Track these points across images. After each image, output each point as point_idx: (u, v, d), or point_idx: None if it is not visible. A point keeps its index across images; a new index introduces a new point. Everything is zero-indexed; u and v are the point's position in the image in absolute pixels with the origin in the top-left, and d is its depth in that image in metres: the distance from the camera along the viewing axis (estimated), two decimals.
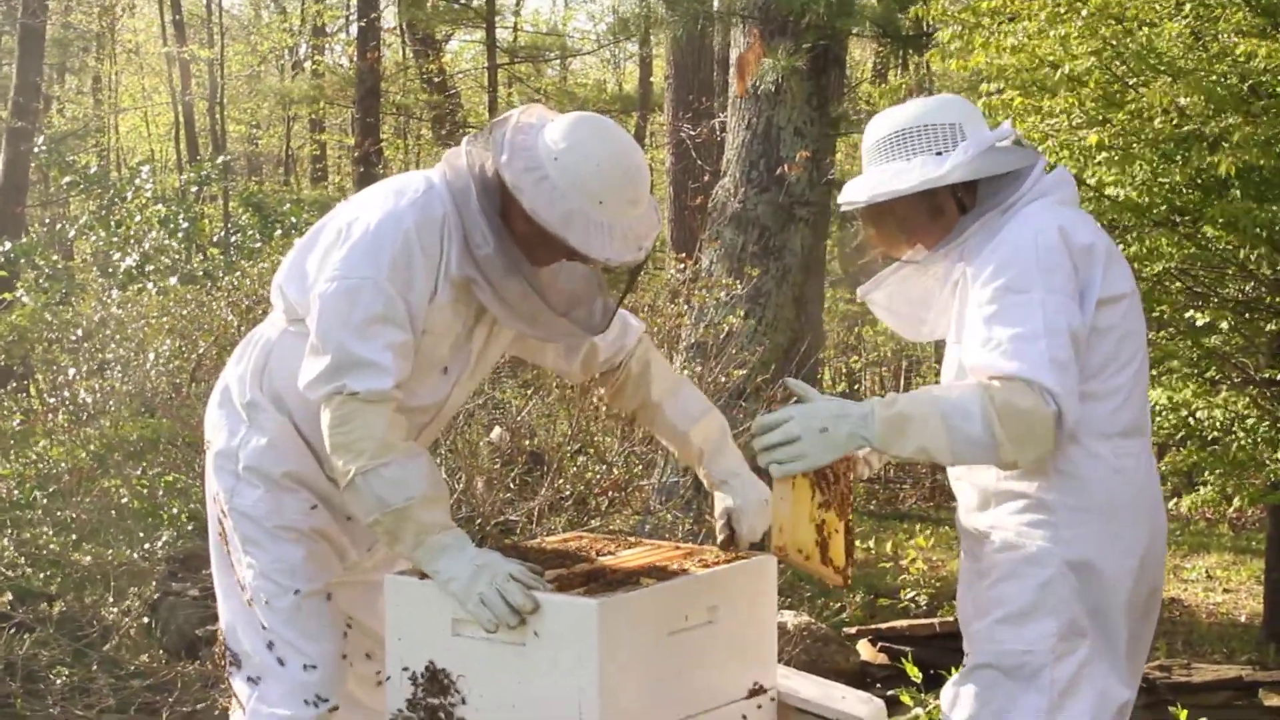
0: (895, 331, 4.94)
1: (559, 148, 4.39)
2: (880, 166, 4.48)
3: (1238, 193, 8.44)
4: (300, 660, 4.75)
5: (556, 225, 4.33)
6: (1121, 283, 4.33)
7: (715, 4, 13.21)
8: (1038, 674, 4.25)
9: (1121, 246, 8.96)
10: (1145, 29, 8.59)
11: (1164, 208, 8.89)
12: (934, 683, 7.05)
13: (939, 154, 4.40)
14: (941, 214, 4.45)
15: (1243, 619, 11.92)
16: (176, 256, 13.73)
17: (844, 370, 25.79)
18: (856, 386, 24.42)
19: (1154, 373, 9.62)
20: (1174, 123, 8.36)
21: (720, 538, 4.80)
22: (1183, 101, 8.24)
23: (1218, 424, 9.71)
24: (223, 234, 16.54)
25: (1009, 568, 4.28)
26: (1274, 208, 8.14)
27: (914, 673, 6.91)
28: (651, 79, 28.90)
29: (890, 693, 6.97)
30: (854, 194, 4.49)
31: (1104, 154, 8.63)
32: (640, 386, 5.03)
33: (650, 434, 5.11)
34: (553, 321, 4.59)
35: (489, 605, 4.17)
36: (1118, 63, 8.63)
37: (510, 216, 4.47)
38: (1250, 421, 9.55)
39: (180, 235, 14.40)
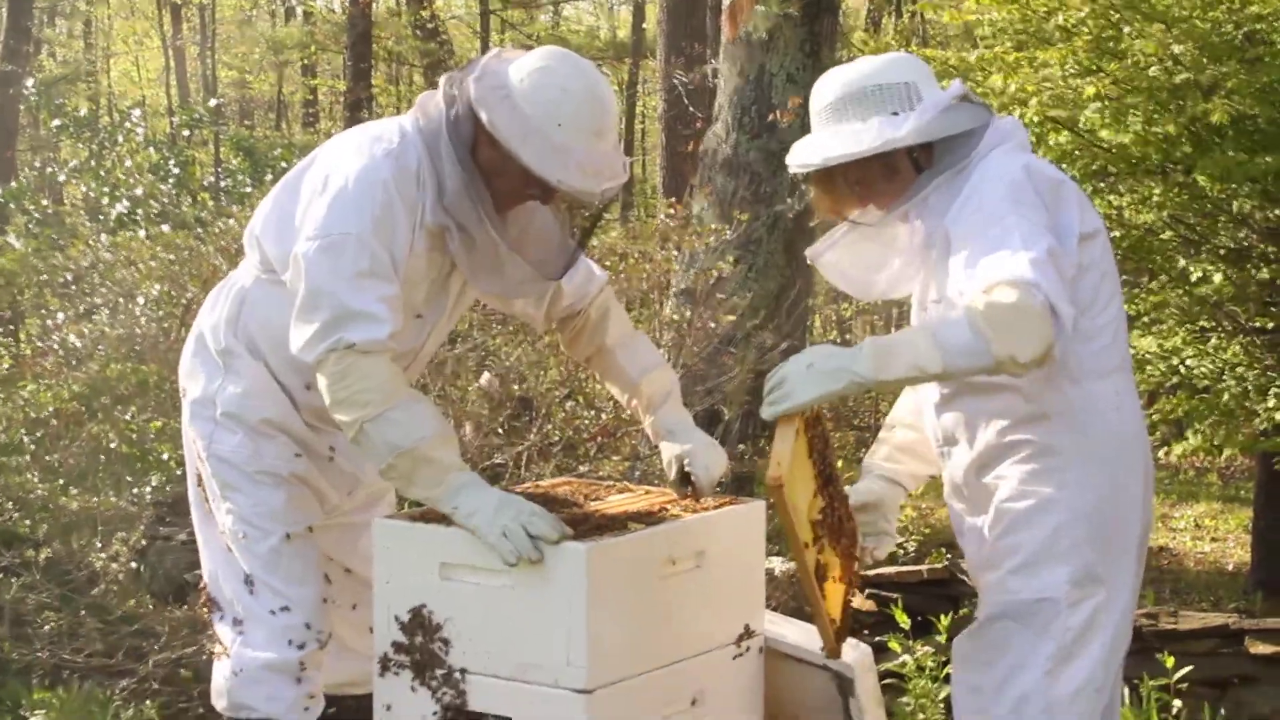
0: (845, 291, 4.90)
1: (527, 71, 4.41)
2: (834, 128, 4.43)
3: (1231, 144, 8.42)
4: (282, 602, 4.76)
5: (514, 141, 4.34)
6: (1094, 219, 4.34)
7: None
8: (1051, 622, 4.26)
9: (1113, 196, 8.97)
10: None
11: (1157, 157, 8.87)
12: (922, 629, 7.08)
13: (894, 114, 4.36)
14: (897, 174, 4.42)
15: (1230, 568, 11.95)
16: (166, 201, 13.67)
17: (834, 318, 25.75)
18: (848, 335, 24.38)
19: (1144, 321, 9.62)
20: (1168, 71, 8.33)
21: (671, 478, 4.79)
22: (1177, 50, 8.21)
23: (1208, 373, 9.71)
24: (213, 179, 16.49)
25: (1018, 517, 4.29)
26: (1267, 158, 8.11)
27: (902, 619, 6.92)
28: (644, 25, 28.82)
29: (878, 639, 6.97)
30: (806, 156, 4.46)
31: (1098, 104, 8.60)
32: (597, 333, 5.02)
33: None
34: (515, 268, 4.59)
35: (511, 537, 4.16)
36: (1111, 11, 8.60)
37: (478, 149, 4.48)
38: (1240, 370, 9.55)
39: (170, 180, 14.34)
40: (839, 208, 4.58)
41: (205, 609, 5.02)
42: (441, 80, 4.59)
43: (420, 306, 4.69)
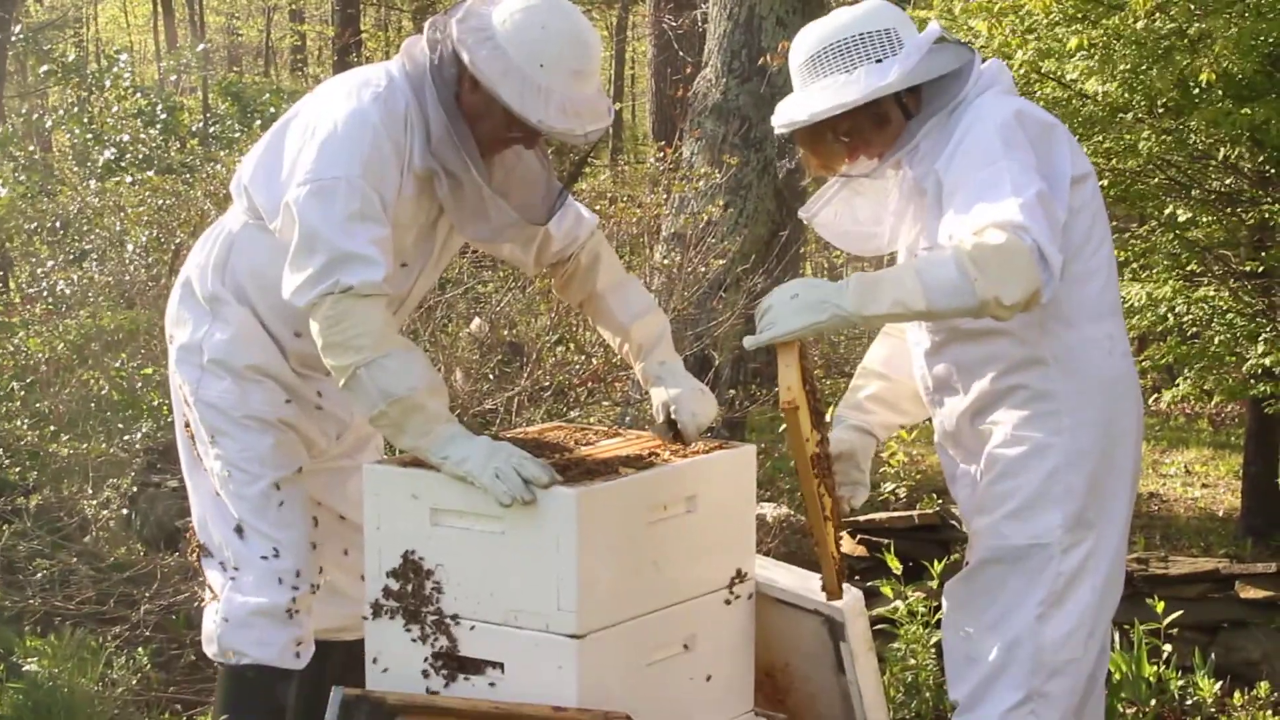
0: (844, 250, 4.88)
1: (510, 12, 4.41)
2: (819, 81, 4.38)
3: (1219, 95, 8.41)
4: (271, 546, 4.76)
5: (494, 80, 4.34)
6: (1084, 162, 4.35)
7: None
8: (1044, 567, 4.27)
9: (1101, 139, 8.95)
10: None
11: (1144, 104, 8.85)
12: (913, 575, 7.09)
13: (878, 61, 4.32)
14: (888, 122, 4.40)
15: (1220, 513, 11.98)
16: (154, 147, 13.64)
17: (825, 265, 25.76)
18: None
19: (1134, 267, 9.61)
20: (1156, 22, 8.30)
21: (658, 423, 4.77)
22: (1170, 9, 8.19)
23: (1197, 318, 9.71)
24: (201, 125, 16.44)
25: (1012, 462, 4.30)
26: (1255, 108, 8.10)
27: (894, 564, 6.94)
28: None
29: (870, 584, 6.99)
30: (793, 114, 4.42)
31: (1082, 53, 8.57)
32: (588, 278, 5.01)
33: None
34: (499, 212, 4.59)
35: (505, 479, 4.17)
36: None
37: (461, 93, 4.49)
38: (1230, 316, 9.56)
39: (158, 126, 14.31)
40: (830, 163, 4.55)
41: (195, 555, 5.02)
42: (426, 24, 4.58)
43: (408, 252, 4.69)
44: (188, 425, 4.92)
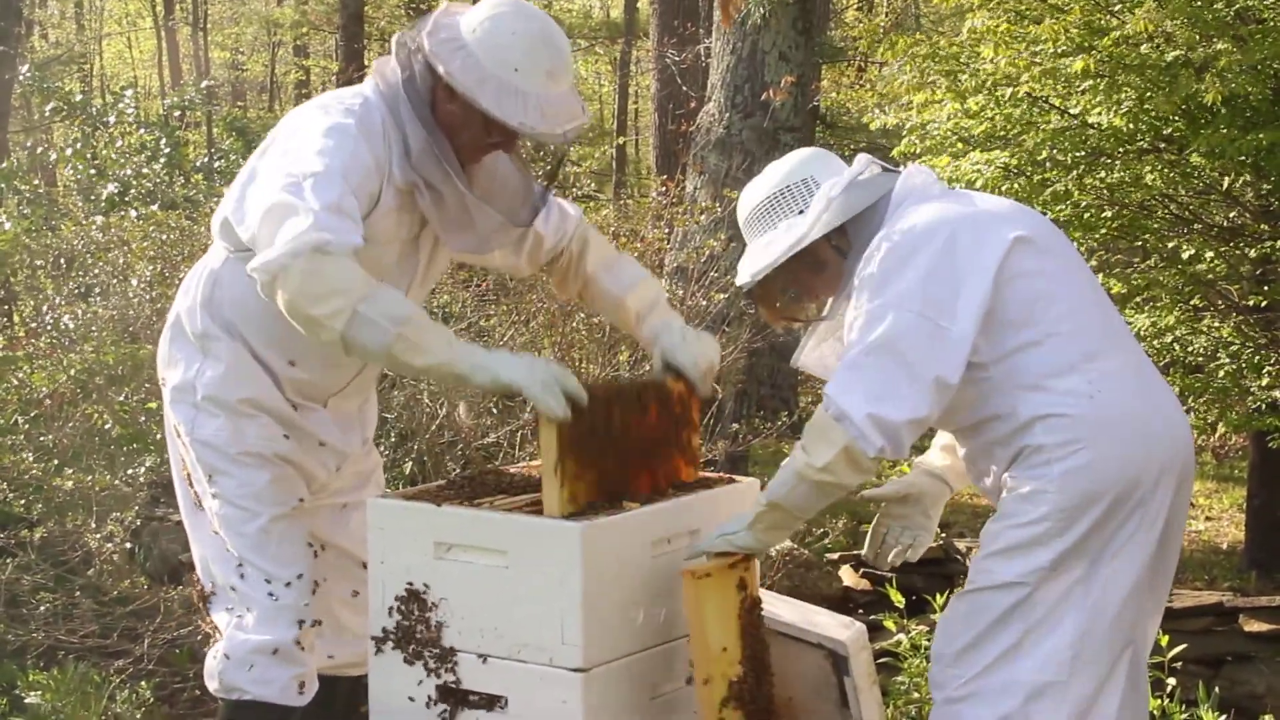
0: None
1: (478, 21, 4.47)
2: (755, 241, 4.60)
3: (1225, 120, 8.42)
4: (271, 583, 4.75)
5: (472, 88, 4.39)
6: (1025, 224, 4.45)
7: None
8: (1020, 603, 4.27)
9: (1104, 174, 8.96)
10: None
11: (1150, 135, 8.86)
12: (917, 609, 7.08)
13: (800, 213, 4.51)
14: (825, 267, 4.58)
15: (1224, 546, 11.94)
16: (159, 182, 13.66)
17: None
18: None
19: (1137, 300, 9.61)
20: (1159, 49, 8.33)
21: (658, 366, 4.82)
22: (1169, 26, 8.20)
23: (1201, 351, 9.71)
24: (206, 160, 16.46)
25: (1009, 507, 4.33)
26: (1260, 135, 8.11)
27: (897, 598, 6.93)
28: (637, 5, 28.76)
29: (873, 618, 6.98)
30: (740, 277, 4.63)
31: (1089, 81, 8.59)
32: (580, 264, 5.07)
33: (624, 336, 5.13)
34: (484, 218, 4.63)
35: (552, 391, 4.25)
36: None
37: (437, 105, 4.54)
38: (1234, 348, 9.55)
39: (163, 161, 14.34)
40: (787, 314, 4.80)
41: (200, 600, 5.02)
42: (394, 40, 4.62)
43: (390, 271, 4.67)
44: (185, 468, 4.92)
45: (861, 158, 4.60)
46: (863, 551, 5.00)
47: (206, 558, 4.92)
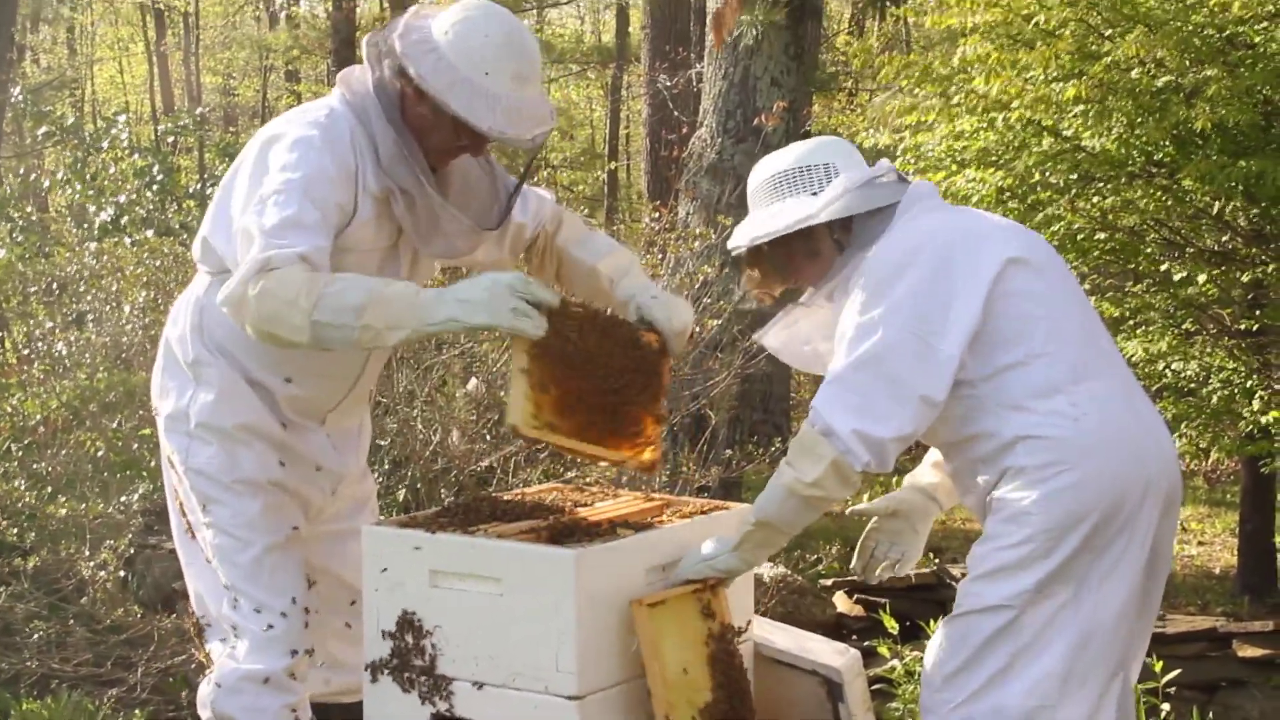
0: (793, 366, 5.05)
1: (450, 23, 4.48)
2: (760, 210, 4.61)
3: (1215, 147, 8.44)
4: (264, 614, 4.75)
5: (442, 90, 4.40)
6: (1016, 247, 4.44)
7: None
8: (1007, 627, 4.28)
9: (1096, 198, 8.98)
10: None
11: (1141, 161, 8.88)
12: (910, 634, 7.08)
13: (813, 194, 4.52)
14: (818, 255, 4.58)
15: (1217, 571, 11.95)
16: (152, 208, 13.67)
17: None
18: None
19: (1129, 325, 9.62)
20: (1150, 74, 8.35)
21: (634, 319, 4.78)
22: (1160, 53, 8.23)
23: (1193, 375, 9.72)
24: (198, 186, 16.48)
25: (994, 529, 4.34)
26: (1250, 161, 8.13)
27: (891, 624, 6.93)
28: (629, 30, 28.81)
29: (867, 644, 6.98)
30: (735, 238, 4.63)
31: (1080, 107, 8.61)
32: (553, 241, 5.06)
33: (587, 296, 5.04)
34: (453, 222, 4.64)
35: (525, 312, 4.24)
36: (1093, 14, 8.61)
37: (406, 108, 4.54)
38: (1226, 373, 9.56)
39: (155, 187, 14.35)
40: (767, 286, 4.78)
41: (195, 631, 5.02)
42: (364, 43, 4.63)
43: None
44: (179, 498, 4.92)
45: (883, 162, 4.63)
46: (852, 564, 5.01)
47: (200, 589, 4.93)
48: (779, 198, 4.56)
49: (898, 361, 4.23)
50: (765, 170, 4.64)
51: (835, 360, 4.33)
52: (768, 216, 4.55)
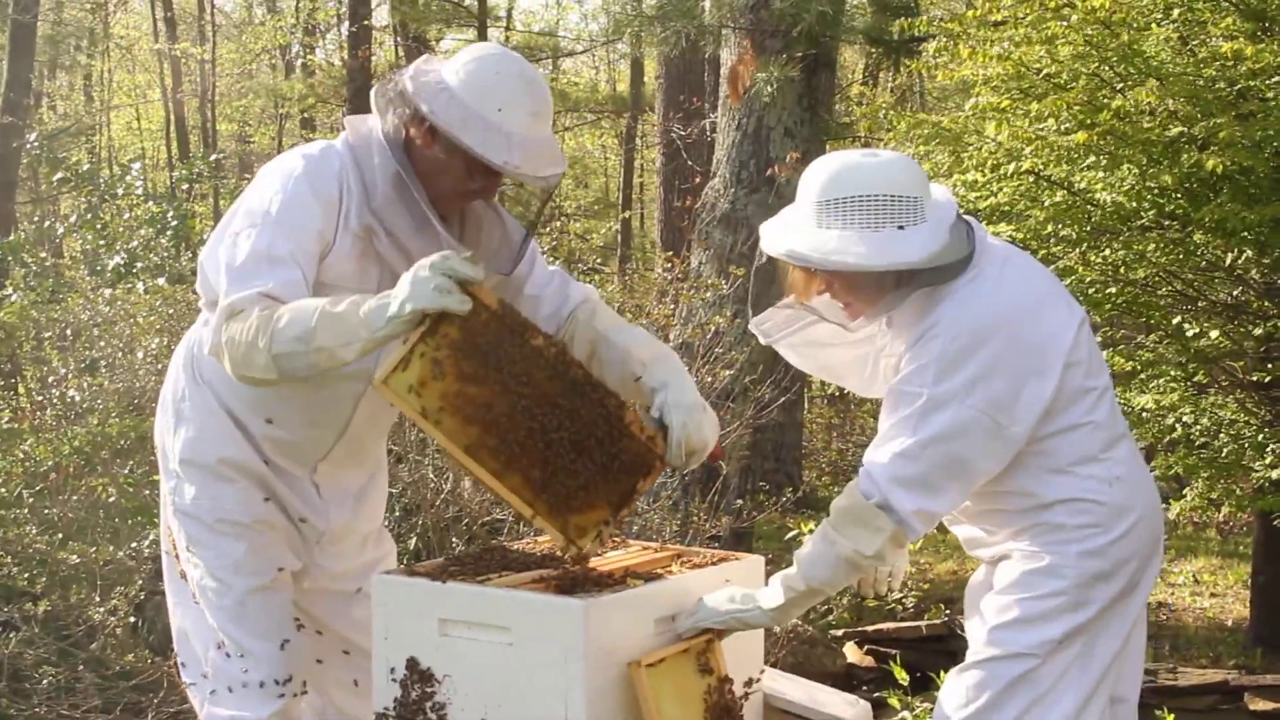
0: (793, 364, 4.97)
1: (461, 65, 4.48)
2: (838, 228, 4.29)
3: (1227, 197, 8.45)
4: (248, 659, 4.74)
5: (455, 126, 4.39)
6: (1077, 310, 4.41)
7: (707, 15, 13.18)
8: (1034, 670, 4.28)
9: (1108, 252, 8.99)
10: (1132, 33, 8.58)
11: (1153, 212, 8.89)
12: (921, 685, 7.06)
13: (901, 228, 4.27)
14: (881, 284, 4.35)
15: (1229, 623, 11.92)
16: (165, 255, 13.71)
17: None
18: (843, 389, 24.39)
19: (1142, 377, 9.62)
20: (1161, 124, 8.37)
21: (642, 415, 4.50)
22: (1171, 105, 8.25)
23: (1205, 429, 9.71)
24: (212, 232, 16.51)
25: (1021, 578, 4.35)
26: (1263, 210, 8.14)
27: (901, 675, 6.90)
28: (643, 80, 28.90)
29: (877, 695, 6.96)
30: (798, 247, 4.34)
31: (1092, 157, 8.63)
32: (589, 327, 4.81)
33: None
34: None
35: (447, 288, 4.11)
36: (1104, 67, 8.64)
37: (415, 152, 4.52)
38: (1238, 426, 9.56)
39: (169, 233, 14.39)
40: (805, 295, 4.53)
41: (174, 670, 5.01)
42: (373, 90, 4.63)
43: None
44: (170, 535, 4.93)
45: (950, 199, 4.44)
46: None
47: (187, 629, 4.93)
48: (866, 224, 4.25)
49: (968, 444, 4.20)
50: (844, 182, 4.31)
51: (891, 416, 4.27)
52: (854, 242, 4.24)
